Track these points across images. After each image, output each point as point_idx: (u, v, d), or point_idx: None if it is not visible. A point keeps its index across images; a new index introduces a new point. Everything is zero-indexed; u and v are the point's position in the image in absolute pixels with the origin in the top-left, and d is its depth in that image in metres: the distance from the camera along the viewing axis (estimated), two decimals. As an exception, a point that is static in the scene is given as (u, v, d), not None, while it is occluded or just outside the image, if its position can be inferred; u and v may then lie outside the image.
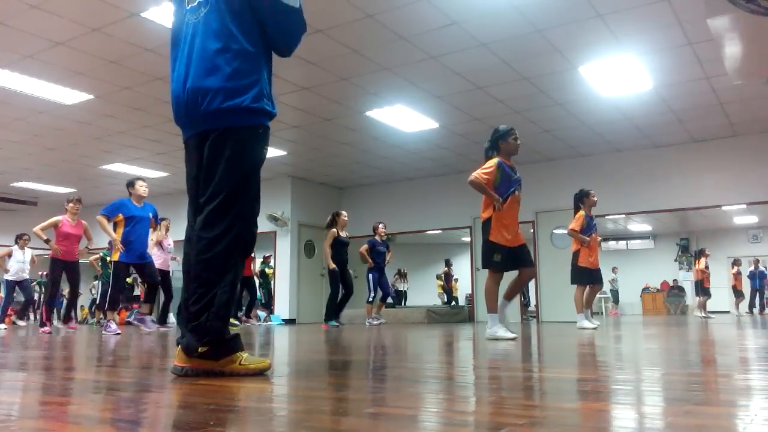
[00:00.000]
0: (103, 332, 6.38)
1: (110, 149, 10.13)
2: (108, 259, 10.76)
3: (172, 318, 12.69)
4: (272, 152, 10.33)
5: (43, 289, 17.15)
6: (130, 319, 8.36)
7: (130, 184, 6.83)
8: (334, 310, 8.49)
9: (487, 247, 4.68)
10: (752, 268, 14.23)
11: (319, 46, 6.29)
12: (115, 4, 5.43)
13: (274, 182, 12.30)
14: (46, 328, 7.41)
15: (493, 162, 4.72)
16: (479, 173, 4.66)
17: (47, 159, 10.70)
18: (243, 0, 2.28)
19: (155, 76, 7.05)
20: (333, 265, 8.32)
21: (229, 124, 2.25)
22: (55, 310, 10.86)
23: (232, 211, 2.16)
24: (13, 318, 10.84)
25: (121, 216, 6.59)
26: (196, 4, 2.37)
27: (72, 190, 12.94)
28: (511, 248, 4.65)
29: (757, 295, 14.81)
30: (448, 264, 16.55)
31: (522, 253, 4.71)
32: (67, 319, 8.05)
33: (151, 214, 6.86)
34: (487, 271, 4.79)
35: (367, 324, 9.00)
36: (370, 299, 9.19)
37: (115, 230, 6.58)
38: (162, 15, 5.59)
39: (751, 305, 14.09)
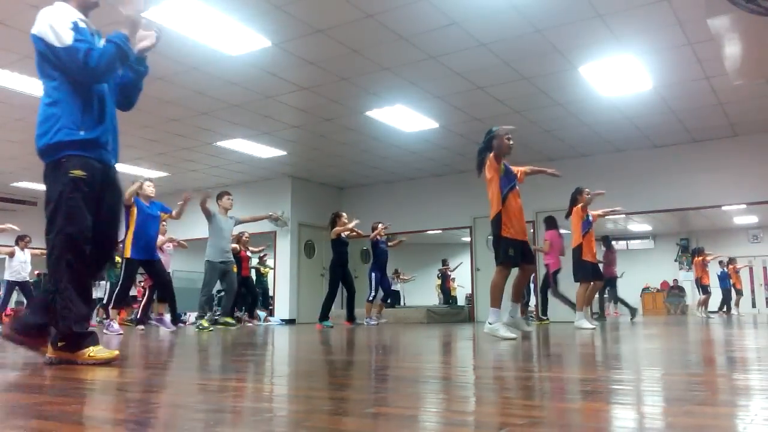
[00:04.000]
0: (105, 332, 6.39)
1: (110, 149, 10.12)
2: (116, 258, 10.93)
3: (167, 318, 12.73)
4: (272, 152, 10.34)
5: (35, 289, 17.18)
6: (151, 320, 8.30)
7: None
8: (328, 310, 8.41)
9: (500, 243, 4.75)
10: (723, 268, 13.99)
11: (319, 46, 6.29)
12: (115, 4, 5.41)
13: (274, 182, 12.30)
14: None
15: (491, 156, 4.85)
16: (487, 171, 4.78)
17: (47, 159, 10.68)
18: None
19: (155, 76, 7.02)
20: (352, 225, 8.43)
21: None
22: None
23: (53, 231, 2.62)
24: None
25: (134, 208, 6.63)
26: None
27: (72, 190, 12.93)
28: (520, 242, 4.76)
29: (725, 295, 14.41)
30: (444, 263, 16.52)
31: (525, 249, 4.82)
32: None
33: (159, 211, 6.96)
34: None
35: (365, 323, 8.99)
36: (371, 298, 9.19)
37: (127, 229, 6.67)
38: (162, 15, 5.59)
39: (722, 306, 13.89)
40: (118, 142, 2.91)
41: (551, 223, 9.51)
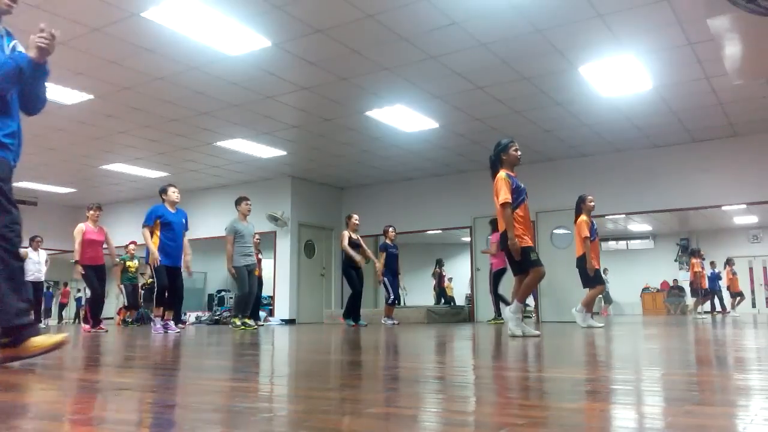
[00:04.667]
0: (153, 331, 6.74)
1: (110, 149, 10.13)
2: (127, 263, 11.29)
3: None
4: (272, 152, 10.34)
5: (50, 290, 17.26)
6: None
7: (163, 191, 7.11)
8: (353, 309, 8.84)
9: (522, 253, 4.97)
10: (713, 269, 13.95)
11: (319, 46, 6.29)
12: (115, 4, 5.43)
13: (274, 182, 12.31)
14: (87, 326, 7.93)
15: (501, 177, 5.03)
16: (501, 198, 4.96)
17: (47, 159, 10.70)
18: None
19: (155, 76, 7.05)
20: (359, 258, 8.72)
21: None
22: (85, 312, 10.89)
23: None
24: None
25: (158, 221, 6.89)
26: None
27: (72, 190, 12.95)
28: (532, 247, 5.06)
29: (714, 296, 14.34)
30: (440, 264, 16.46)
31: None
32: (97, 321, 8.18)
33: (184, 220, 7.13)
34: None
35: (383, 322, 9.33)
36: (390, 301, 9.40)
37: (152, 236, 6.88)
38: (162, 15, 5.60)
39: (713, 307, 13.87)
40: (22, 144, 2.96)
41: (496, 225, 9.73)
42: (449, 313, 12.00)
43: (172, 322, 7.07)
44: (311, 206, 12.58)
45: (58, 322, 17.60)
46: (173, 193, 7.05)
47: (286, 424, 1.31)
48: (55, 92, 7.46)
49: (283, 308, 12.00)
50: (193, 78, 7.10)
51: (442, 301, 16.00)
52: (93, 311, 8.24)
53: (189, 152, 10.36)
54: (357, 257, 8.75)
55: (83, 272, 7.87)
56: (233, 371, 2.51)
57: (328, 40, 6.16)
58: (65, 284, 18.51)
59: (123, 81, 7.20)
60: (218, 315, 12.42)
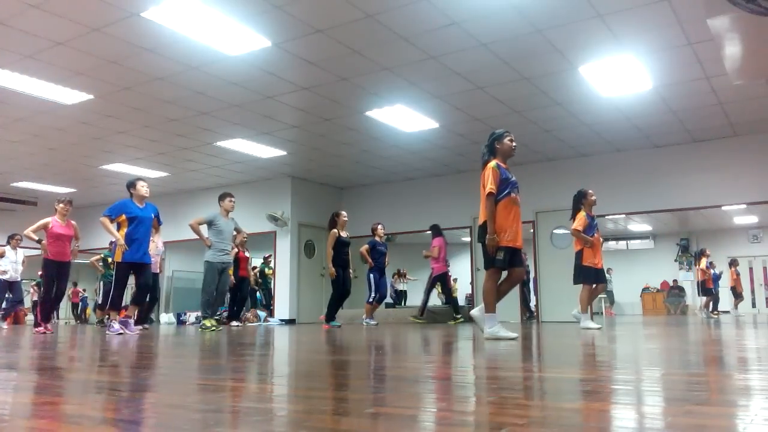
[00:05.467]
0: (107, 332, 6.40)
1: (110, 149, 10.13)
2: (110, 259, 10.70)
3: (167, 318, 12.72)
4: (272, 152, 10.34)
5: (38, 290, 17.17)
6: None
7: (131, 184, 6.78)
8: (334, 311, 8.57)
9: (494, 252, 4.67)
10: (714, 270, 13.92)
11: (319, 46, 6.29)
12: (115, 4, 5.43)
13: (274, 182, 12.31)
14: (41, 328, 7.39)
15: (490, 166, 4.76)
16: (487, 188, 4.67)
17: (47, 159, 10.70)
18: None
19: (155, 76, 7.05)
20: (333, 270, 8.30)
21: None
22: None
23: None
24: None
25: (123, 216, 6.57)
26: None
27: (72, 190, 12.94)
28: (510, 249, 4.67)
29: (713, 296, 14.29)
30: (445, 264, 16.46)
31: (517, 255, 4.75)
32: (47, 319, 7.70)
33: (153, 215, 6.82)
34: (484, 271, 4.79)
35: (363, 324, 9.02)
36: (371, 299, 9.17)
37: (117, 231, 6.55)
38: (162, 15, 5.59)
39: (714, 307, 13.86)
40: None
41: (438, 230, 10.02)
42: (449, 313, 11.98)
43: (132, 320, 6.84)
44: (311, 206, 12.58)
45: (76, 321, 17.59)
46: (142, 188, 6.73)
47: (286, 424, 1.31)
48: (55, 92, 7.45)
49: (283, 308, 12.00)
50: (193, 78, 7.10)
51: (444, 298, 15.97)
52: (44, 309, 7.74)
53: (189, 152, 10.36)
54: (332, 270, 8.30)
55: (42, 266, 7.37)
56: (233, 371, 2.51)
57: (328, 40, 6.16)
58: (75, 284, 18.47)
59: (123, 81, 7.20)
60: (218, 315, 12.40)
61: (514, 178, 4.84)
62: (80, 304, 19.03)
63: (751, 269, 17.94)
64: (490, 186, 4.68)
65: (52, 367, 2.77)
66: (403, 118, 8.64)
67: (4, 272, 9.66)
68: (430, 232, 10.31)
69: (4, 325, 10.43)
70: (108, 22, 5.78)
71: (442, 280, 10.03)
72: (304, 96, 7.74)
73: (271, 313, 12.04)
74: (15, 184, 12.55)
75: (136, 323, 8.66)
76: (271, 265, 12.59)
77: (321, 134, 9.42)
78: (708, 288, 12.21)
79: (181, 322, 12.48)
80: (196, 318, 12.72)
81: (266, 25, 5.83)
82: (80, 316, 18.41)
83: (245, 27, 5.85)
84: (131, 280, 6.77)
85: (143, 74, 7.00)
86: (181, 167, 11.35)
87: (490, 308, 4.65)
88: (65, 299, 18.32)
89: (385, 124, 8.85)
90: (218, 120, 8.66)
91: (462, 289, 17.50)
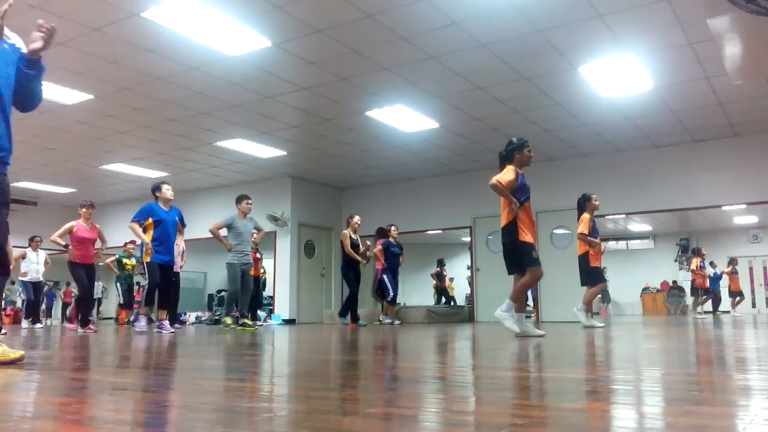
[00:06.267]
0: (134, 328, 6.55)
1: (110, 149, 10.14)
2: (124, 260, 11.10)
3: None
4: (272, 152, 10.34)
5: (52, 290, 17.17)
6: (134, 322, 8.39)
7: (157, 188, 6.98)
8: (350, 308, 8.88)
9: (519, 248, 4.88)
10: (714, 269, 13.90)
11: (319, 46, 6.29)
12: (115, 4, 5.43)
13: (274, 182, 12.30)
14: (72, 325, 7.61)
15: (512, 169, 4.98)
16: (500, 178, 4.88)
17: (47, 159, 10.70)
18: None
19: (155, 76, 7.05)
20: (360, 260, 8.88)
21: None
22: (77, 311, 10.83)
23: None
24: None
25: (150, 219, 6.79)
26: None
27: (72, 190, 12.95)
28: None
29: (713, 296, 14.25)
30: (441, 264, 16.44)
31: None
32: (86, 321, 7.86)
33: (177, 217, 7.04)
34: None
35: (381, 320, 9.39)
36: (390, 298, 9.44)
37: (144, 233, 6.78)
38: (162, 15, 5.59)
39: (715, 308, 13.83)
40: (11, 146, 2.79)
41: (382, 233, 10.05)
42: (449, 313, 12.00)
43: (166, 321, 6.98)
44: (311, 206, 12.58)
45: (62, 323, 17.60)
46: (167, 191, 6.93)
47: (286, 424, 1.31)
48: (55, 92, 7.45)
49: (283, 308, 12.00)
50: (193, 78, 7.10)
51: (443, 300, 15.98)
52: (80, 310, 7.98)
53: (189, 152, 10.36)
54: (360, 259, 8.85)
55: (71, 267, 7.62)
56: (233, 371, 2.51)
57: (328, 40, 6.16)
58: (68, 284, 18.49)
59: (123, 81, 7.20)
60: (218, 315, 12.42)
61: (527, 185, 5.10)
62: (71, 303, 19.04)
63: (751, 269, 17.94)
64: (507, 178, 4.86)
65: (51, 368, 2.77)
66: (403, 118, 8.64)
67: (25, 274, 9.69)
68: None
69: (26, 324, 10.43)
70: (108, 22, 5.78)
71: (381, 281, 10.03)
72: (304, 96, 7.74)
73: (270, 313, 12.04)
74: (15, 184, 12.55)
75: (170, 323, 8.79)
76: (262, 264, 12.60)
77: (321, 134, 9.43)
78: (696, 288, 12.18)
79: (181, 322, 12.48)
80: (196, 318, 12.75)
81: (266, 25, 5.83)
82: (68, 317, 18.42)
83: (245, 27, 5.85)
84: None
85: (143, 74, 7.00)
86: (181, 167, 11.35)
87: (521, 307, 4.90)
88: (58, 298, 18.43)
89: (385, 124, 8.85)
90: (218, 120, 8.66)
91: (459, 289, 17.47)
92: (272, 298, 12.40)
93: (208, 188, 13.03)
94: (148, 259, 6.72)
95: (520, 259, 4.89)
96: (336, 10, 5.56)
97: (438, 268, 16.08)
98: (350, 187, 13.26)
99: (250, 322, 7.96)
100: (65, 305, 18.78)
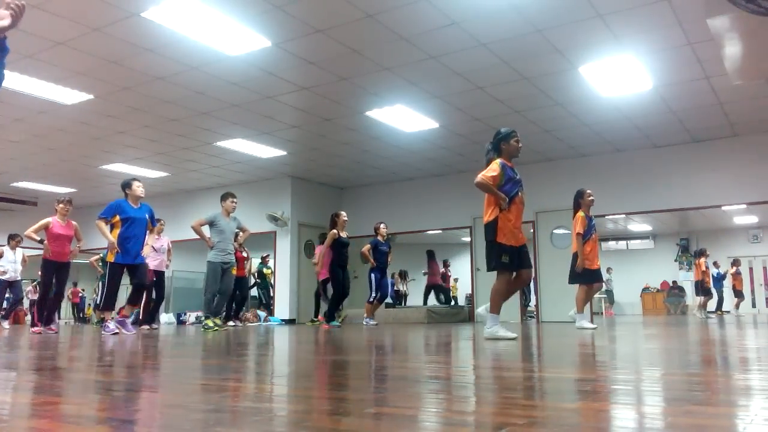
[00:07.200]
0: (102, 332, 6.40)
1: (110, 149, 10.13)
2: (107, 259, 10.84)
3: (167, 318, 12.71)
4: (272, 152, 10.34)
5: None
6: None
7: (127, 185, 6.74)
8: (334, 311, 8.64)
9: (494, 249, 4.67)
10: (717, 270, 13.88)
11: (319, 46, 6.29)
12: (115, 4, 5.43)
13: (274, 182, 12.30)
14: (37, 329, 7.41)
15: (497, 163, 4.75)
16: (485, 174, 4.69)
17: (47, 159, 10.70)
18: None
19: (155, 76, 7.05)
20: (320, 268, 8.73)
21: None
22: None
23: None
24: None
25: (117, 217, 6.53)
26: None
27: (72, 190, 12.94)
28: (516, 248, 4.68)
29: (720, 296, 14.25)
30: (445, 265, 16.45)
31: (523, 254, 4.75)
32: (48, 321, 7.67)
33: (147, 215, 6.75)
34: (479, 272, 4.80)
35: (364, 323, 9.03)
36: (371, 299, 9.17)
37: (111, 231, 6.51)
38: (162, 15, 5.59)
39: (718, 307, 13.82)
40: None
41: (323, 239, 9.95)
42: (449, 313, 12.01)
43: (129, 320, 6.82)
44: (311, 206, 12.58)
45: (76, 322, 17.60)
46: (138, 188, 6.68)
47: (286, 424, 1.31)
48: (55, 92, 7.45)
49: (283, 308, 12.00)
50: (193, 78, 7.10)
51: (443, 298, 15.99)
52: (41, 309, 7.70)
53: (189, 152, 10.36)
54: (321, 270, 8.73)
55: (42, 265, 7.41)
56: (233, 371, 2.51)
57: (328, 40, 6.16)
58: (75, 284, 18.46)
59: (123, 81, 7.20)
60: (222, 314, 12.40)
61: (518, 177, 4.85)
62: (80, 304, 19.07)
63: (751, 269, 17.94)
64: (491, 174, 4.65)
65: (51, 367, 2.77)
66: (403, 118, 8.64)
67: (4, 272, 9.62)
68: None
69: (6, 325, 10.41)
70: (108, 22, 5.78)
71: (326, 283, 9.75)
72: (304, 96, 7.74)
73: (270, 313, 12.04)
74: (15, 184, 12.55)
75: (143, 323, 8.69)
76: (269, 264, 12.59)
77: (321, 134, 9.42)
78: (707, 288, 12.19)
79: (181, 322, 12.49)
80: (196, 318, 12.73)
81: (266, 25, 5.83)
82: (80, 317, 18.43)
83: (245, 27, 5.85)
84: (125, 280, 6.75)
85: (143, 74, 7.00)
86: (181, 167, 11.34)
87: (494, 309, 4.69)
88: (66, 299, 18.38)
89: (385, 124, 8.85)
90: (218, 120, 8.66)
91: (462, 289, 17.51)
92: (272, 298, 12.41)
93: (208, 188, 13.03)
94: (112, 259, 6.47)
95: (491, 260, 4.71)
96: (336, 10, 5.56)
97: (442, 269, 16.07)
98: (350, 187, 13.26)
99: (219, 323, 7.53)
100: (74, 305, 18.81)
